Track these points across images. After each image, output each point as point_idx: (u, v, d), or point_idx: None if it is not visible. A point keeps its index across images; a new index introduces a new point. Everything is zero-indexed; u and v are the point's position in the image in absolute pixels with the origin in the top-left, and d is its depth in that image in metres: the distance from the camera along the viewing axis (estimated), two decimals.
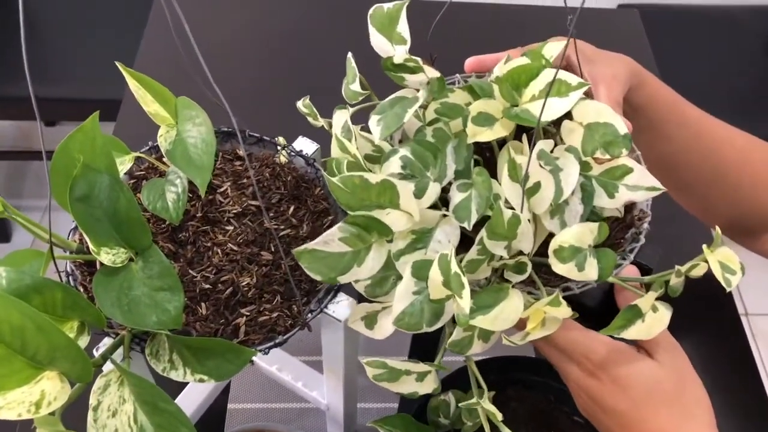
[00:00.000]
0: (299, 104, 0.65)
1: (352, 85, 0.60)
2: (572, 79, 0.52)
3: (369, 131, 0.58)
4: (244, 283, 0.54)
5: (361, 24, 0.66)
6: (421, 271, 0.50)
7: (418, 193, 0.51)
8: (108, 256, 0.49)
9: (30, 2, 1.77)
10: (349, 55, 0.60)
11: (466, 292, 0.46)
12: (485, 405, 0.53)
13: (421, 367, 0.54)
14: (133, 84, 0.58)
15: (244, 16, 1.18)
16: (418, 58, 0.57)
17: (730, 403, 0.83)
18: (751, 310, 1.92)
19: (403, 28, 0.58)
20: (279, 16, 1.19)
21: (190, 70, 0.61)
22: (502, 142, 0.57)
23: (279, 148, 0.64)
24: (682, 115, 0.75)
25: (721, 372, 0.86)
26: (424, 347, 0.69)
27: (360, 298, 0.55)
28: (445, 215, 0.52)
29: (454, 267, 0.47)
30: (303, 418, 0.78)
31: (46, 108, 1.66)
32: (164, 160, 0.63)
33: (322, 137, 0.67)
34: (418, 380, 0.54)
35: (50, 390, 0.42)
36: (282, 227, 0.58)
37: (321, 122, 0.65)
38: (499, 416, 0.52)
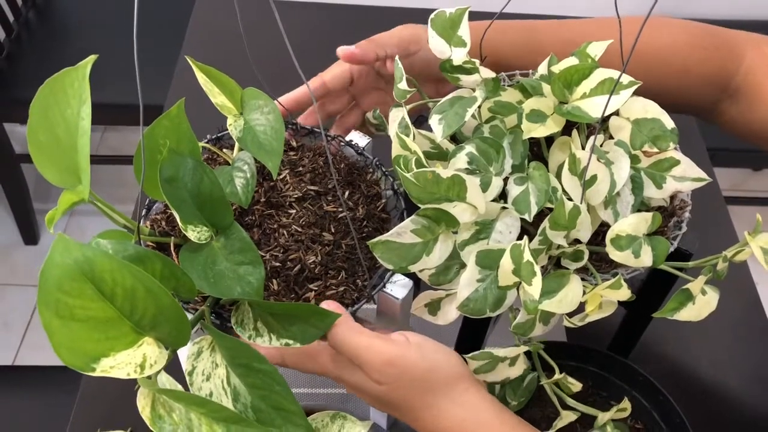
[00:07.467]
0: (368, 116, 0.71)
1: (400, 84, 0.63)
2: (624, 78, 0.56)
3: (415, 126, 0.62)
4: (310, 261, 0.57)
5: None
6: (485, 259, 0.53)
7: (483, 187, 0.54)
8: (194, 233, 0.52)
9: (69, 9, 1.79)
10: (396, 58, 0.64)
11: (537, 279, 0.50)
12: (569, 379, 0.56)
13: (515, 350, 0.56)
14: (201, 77, 0.61)
15: (288, 24, 1.23)
16: (476, 60, 0.61)
17: None
18: None
19: (464, 31, 0.61)
20: (319, 25, 1.25)
21: (253, 68, 0.65)
22: (547, 138, 0.61)
23: (329, 138, 0.68)
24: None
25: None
26: (470, 335, 0.71)
27: (415, 279, 0.58)
28: (504, 207, 0.55)
29: (527, 256, 0.50)
30: (346, 402, 0.80)
31: None
32: (224, 150, 0.66)
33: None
34: (511, 365, 0.57)
35: (150, 354, 0.45)
36: (340, 210, 0.61)
37: (389, 132, 0.69)
38: (578, 386, 0.55)
